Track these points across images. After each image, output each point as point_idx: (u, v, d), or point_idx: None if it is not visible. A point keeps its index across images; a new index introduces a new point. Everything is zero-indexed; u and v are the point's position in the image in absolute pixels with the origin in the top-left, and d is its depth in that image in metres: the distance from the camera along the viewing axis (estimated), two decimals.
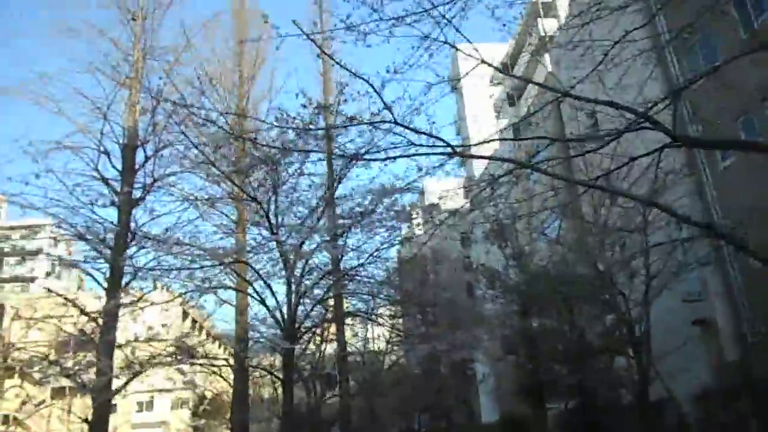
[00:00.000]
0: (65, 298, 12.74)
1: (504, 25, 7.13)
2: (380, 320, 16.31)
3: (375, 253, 11.59)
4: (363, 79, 6.05)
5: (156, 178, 12.98)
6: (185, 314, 49.17)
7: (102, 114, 12.87)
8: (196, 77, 13.25)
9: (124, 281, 12.26)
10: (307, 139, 7.20)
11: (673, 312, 17.93)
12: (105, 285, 12.28)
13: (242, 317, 15.59)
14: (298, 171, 9.73)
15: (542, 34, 35.77)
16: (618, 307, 16.39)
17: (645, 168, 8.51)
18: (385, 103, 6.18)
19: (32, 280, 57.07)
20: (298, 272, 10.80)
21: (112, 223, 12.19)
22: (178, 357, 12.89)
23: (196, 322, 42.08)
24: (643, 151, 7.74)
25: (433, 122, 7.31)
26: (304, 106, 6.20)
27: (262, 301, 10.53)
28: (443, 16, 7.42)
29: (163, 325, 14.61)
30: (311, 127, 6.43)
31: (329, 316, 15.84)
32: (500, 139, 8.11)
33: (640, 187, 14.03)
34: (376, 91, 6.12)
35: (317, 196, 10.44)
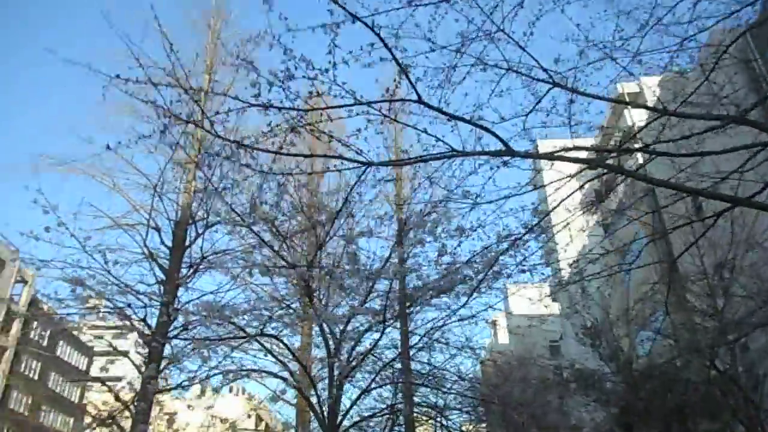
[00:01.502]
0: (101, 382, 11.83)
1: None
2: (453, 423, 14.03)
3: (437, 331, 9.84)
4: (365, 24, 4.58)
5: (204, 256, 12.21)
6: (259, 419, 47.42)
7: (155, 190, 12.46)
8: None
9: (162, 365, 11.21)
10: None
11: None
12: (143, 369, 11.25)
13: (303, 417, 14.03)
14: (347, 225, 8.38)
15: (629, 124, 34.10)
16: (747, 421, 13.24)
17: None
18: (400, 65, 4.66)
19: (119, 379, 58.08)
20: (344, 355, 9.24)
21: (156, 300, 11.30)
22: None
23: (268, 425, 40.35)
24: None
25: (480, 117, 5.43)
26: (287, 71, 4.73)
27: (299, 389, 8.94)
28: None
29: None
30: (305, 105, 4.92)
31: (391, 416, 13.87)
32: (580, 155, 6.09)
33: None
34: (385, 44, 4.58)
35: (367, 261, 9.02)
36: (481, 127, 4.91)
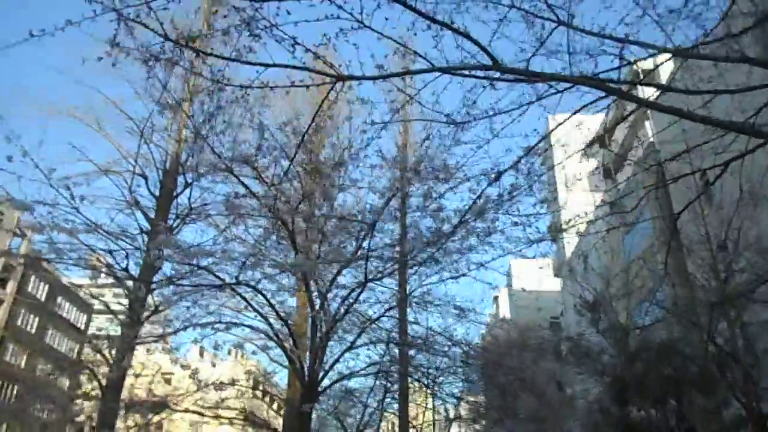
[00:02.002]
0: (89, 340, 11.65)
1: None
2: (444, 389, 13.76)
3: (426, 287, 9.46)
4: None
5: (193, 207, 11.82)
6: (257, 383, 47.66)
7: (142, 134, 11.98)
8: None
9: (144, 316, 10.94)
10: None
11: None
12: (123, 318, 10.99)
13: (294, 379, 13.83)
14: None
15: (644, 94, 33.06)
16: (744, 397, 12.91)
17: None
18: None
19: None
20: (330, 312, 8.84)
21: (131, 244, 10.89)
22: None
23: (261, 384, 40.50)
24: None
25: (466, 27, 4.65)
26: None
27: (279, 343, 8.56)
28: None
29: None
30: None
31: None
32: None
33: None
34: None
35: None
36: (466, 35, 4.36)
